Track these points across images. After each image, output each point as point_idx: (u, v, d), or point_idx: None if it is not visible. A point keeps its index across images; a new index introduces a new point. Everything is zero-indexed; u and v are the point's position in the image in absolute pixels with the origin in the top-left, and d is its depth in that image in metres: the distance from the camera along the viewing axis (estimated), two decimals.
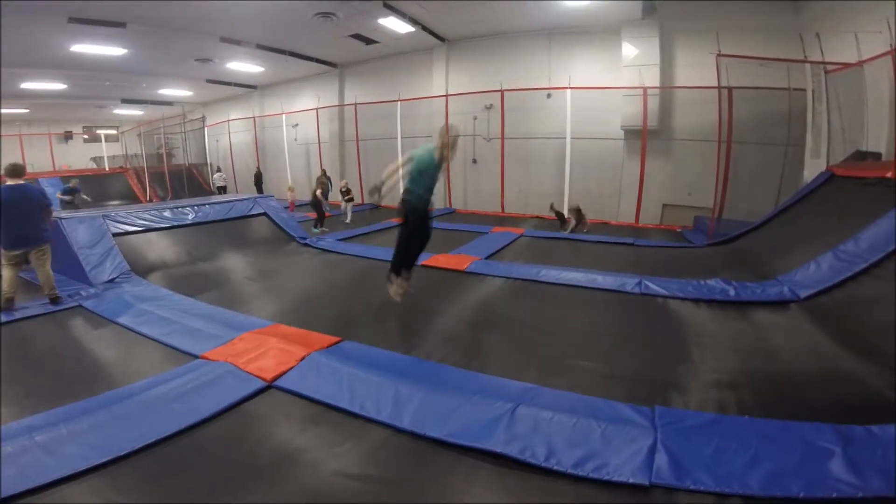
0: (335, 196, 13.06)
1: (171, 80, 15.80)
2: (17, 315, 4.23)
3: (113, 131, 21.65)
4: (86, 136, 21.39)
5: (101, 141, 20.11)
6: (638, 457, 2.08)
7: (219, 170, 17.35)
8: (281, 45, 12.40)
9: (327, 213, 10.17)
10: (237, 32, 11.04)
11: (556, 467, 2.07)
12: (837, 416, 2.36)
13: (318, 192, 9.70)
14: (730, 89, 7.73)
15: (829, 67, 7.40)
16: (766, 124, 8.34)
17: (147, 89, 16.54)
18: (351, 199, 11.14)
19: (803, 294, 4.26)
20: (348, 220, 10.75)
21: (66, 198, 11.01)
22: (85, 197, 11.64)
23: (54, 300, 4.55)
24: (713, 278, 4.85)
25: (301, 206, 13.47)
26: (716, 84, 7.78)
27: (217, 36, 11.09)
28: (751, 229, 7.00)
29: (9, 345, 3.66)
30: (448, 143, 4.13)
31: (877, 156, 6.26)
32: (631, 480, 1.96)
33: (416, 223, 4.20)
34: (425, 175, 4.14)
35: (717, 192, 8.11)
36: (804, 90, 7.82)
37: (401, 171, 4.16)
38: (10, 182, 4.39)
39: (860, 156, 6.49)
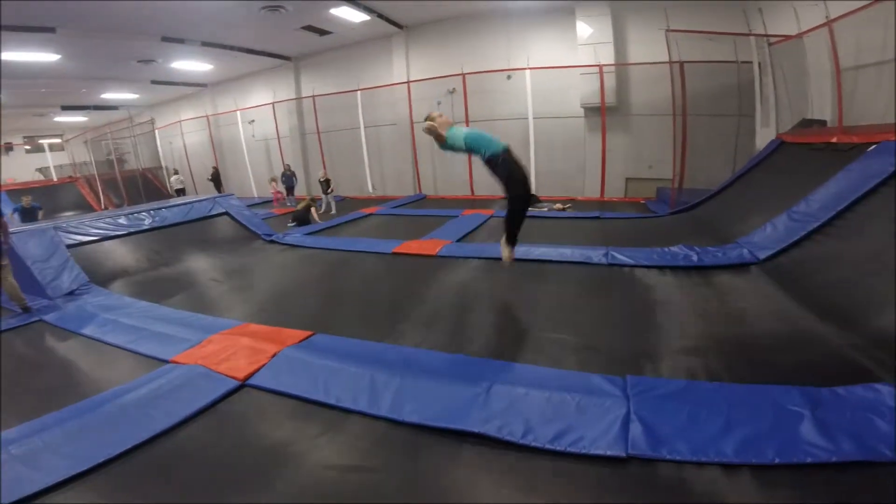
0: (314, 189, 12.76)
1: (114, 84, 14.95)
2: None
3: (57, 140, 20.48)
4: (27, 147, 20.17)
5: (44, 151, 19.04)
6: (613, 428, 2.10)
7: (176, 172, 16.70)
8: (228, 41, 11.85)
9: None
10: (179, 31, 10.49)
11: (533, 443, 2.09)
12: (802, 377, 2.41)
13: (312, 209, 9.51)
14: (681, 64, 7.94)
15: (772, 40, 7.69)
16: (718, 96, 8.62)
17: (88, 95, 15.66)
18: (332, 191, 10.92)
19: (762, 255, 4.44)
20: (334, 212, 10.59)
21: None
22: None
23: (25, 310, 4.56)
24: (676, 245, 5.01)
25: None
26: (667, 59, 7.96)
27: (158, 35, 10.52)
28: (709, 197, 7.25)
29: None
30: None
31: (822, 123, 6.57)
32: (608, 453, 1.98)
33: (513, 171, 3.87)
34: (475, 137, 4.09)
35: (675, 163, 8.39)
36: (751, 63, 8.10)
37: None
38: None
39: (807, 123, 6.80)
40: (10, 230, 5.22)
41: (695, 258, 4.66)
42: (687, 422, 2.10)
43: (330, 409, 2.56)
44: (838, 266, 3.69)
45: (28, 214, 9.83)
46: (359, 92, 12.79)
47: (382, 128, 13.25)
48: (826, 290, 3.51)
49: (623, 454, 1.97)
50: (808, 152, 5.57)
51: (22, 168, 19.47)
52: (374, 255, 6.07)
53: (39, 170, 19.64)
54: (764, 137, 7.68)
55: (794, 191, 4.80)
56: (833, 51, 5.90)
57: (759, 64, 8.00)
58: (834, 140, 5.08)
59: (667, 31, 7.73)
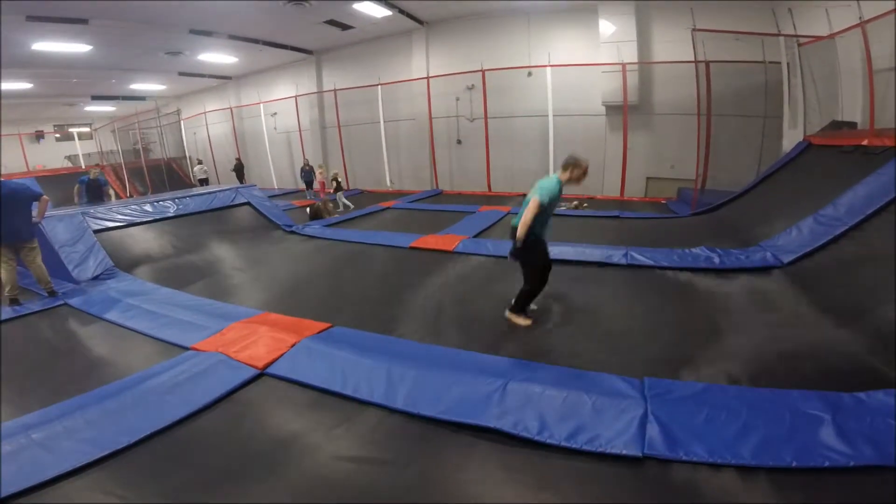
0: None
1: (142, 75, 15.30)
2: (4, 315, 4.19)
3: (86, 129, 21.03)
4: (58, 135, 20.74)
5: (74, 139, 19.58)
6: (630, 428, 2.09)
7: (199, 162, 17.00)
8: (253, 34, 12.04)
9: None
10: (207, 24, 10.68)
11: (549, 441, 2.09)
12: (823, 382, 2.38)
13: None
14: (707, 63, 7.78)
15: (802, 40, 7.47)
16: (744, 97, 8.42)
17: (117, 85, 16.03)
18: (341, 189, 10.97)
19: (786, 259, 4.34)
20: (351, 206, 10.67)
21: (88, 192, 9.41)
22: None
23: (52, 293, 4.67)
24: (698, 247, 4.92)
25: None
26: (693, 58, 7.81)
27: (186, 28, 10.72)
28: (733, 198, 7.10)
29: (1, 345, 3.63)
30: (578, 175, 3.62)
31: (852, 125, 6.37)
32: (624, 452, 1.98)
33: (544, 253, 3.58)
34: (550, 206, 3.50)
35: (698, 163, 8.23)
36: (779, 63, 7.89)
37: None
38: None
39: (836, 125, 6.61)
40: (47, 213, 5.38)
41: (716, 260, 4.58)
42: (704, 424, 2.09)
43: (347, 400, 2.59)
44: (864, 272, 3.60)
45: (94, 190, 9.49)
46: (379, 87, 12.83)
47: (401, 122, 13.28)
48: (850, 296, 3.43)
49: (639, 454, 1.97)
50: (837, 155, 5.41)
51: (52, 156, 20.04)
52: (392, 248, 6.11)
53: (68, 157, 20.21)
54: (791, 139, 7.49)
55: (821, 194, 4.67)
56: (866, 52, 5.71)
57: (788, 64, 7.79)
58: (864, 143, 4.93)
59: (693, 30, 7.57)
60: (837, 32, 6.54)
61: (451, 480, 1.99)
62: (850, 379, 2.46)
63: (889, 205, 3.83)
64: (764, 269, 4.35)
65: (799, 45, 7.57)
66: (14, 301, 4.45)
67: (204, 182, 15.75)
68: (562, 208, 8.74)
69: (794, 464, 1.83)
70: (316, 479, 2.03)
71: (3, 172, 13.60)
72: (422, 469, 2.05)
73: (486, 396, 2.41)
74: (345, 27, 11.85)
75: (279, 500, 1.91)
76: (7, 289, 4.44)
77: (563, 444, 2.07)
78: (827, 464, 1.81)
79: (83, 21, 9.24)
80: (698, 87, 7.96)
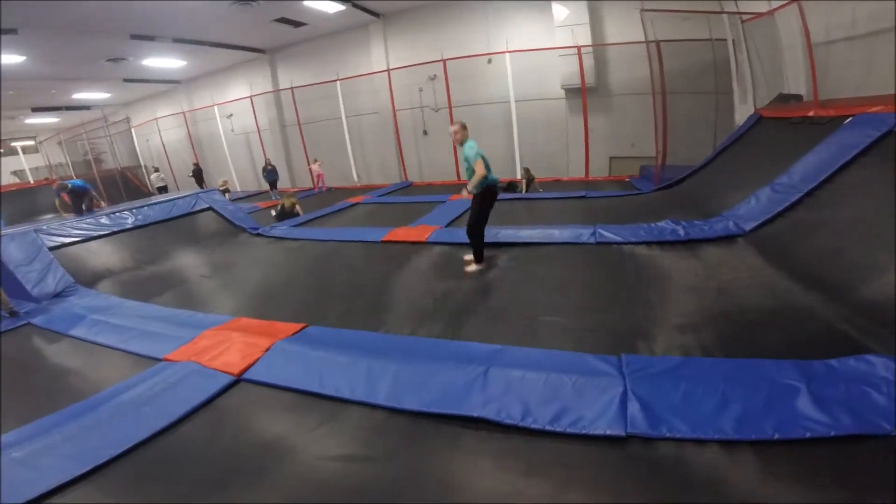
0: (299, 181, 12.57)
1: (84, 84, 14.48)
2: None
3: (30, 142, 19.89)
4: (1, 150, 19.53)
5: (18, 153, 18.47)
6: (611, 407, 2.10)
7: (156, 170, 16.33)
8: (200, 36, 11.55)
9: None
10: (148, 28, 10.19)
11: (532, 426, 2.09)
12: (794, 350, 2.42)
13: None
14: (658, 43, 7.96)
15: (745, 17, 7.72)
16: (695, 74, 8.68)
17: (58, 95, 15.16)
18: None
19: (748, 227, 4.50)
20: None
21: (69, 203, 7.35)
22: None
23: (13, 314, 4.53)
24: (663, 220, 5.06)
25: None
26: (643, 39, 7.97)
27: (126, 34, 10.20)
28: (692, 172, 7.32)
29: None
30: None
31: (798, 98, 6.67)
32: (608, 432, 1.98)
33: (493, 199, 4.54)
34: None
35: (657, 141, 8.45)
36: (725, 40, 8.14)
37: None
38: None
39: (783, 98, 6.90)
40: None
41: (682, 232, 4.73)
42: (683, 399, 2.10)
43: (327, 399, 2.56)
44: (822, 236, 3.75)
45: (78, 195, 7.33)
46: (338, 82, 12.59)
47: (364, 117, 13.11)
48: (812, 261, 3.56)
49: (622, 433, 1.97)
50: (787, 126, 5.64)
51: None
52: (364, 243, 6.05)
53: (14, 173, 19.09)
54: (742, 113, 7.77)
55: (775, 164, 4.86)
56: (804, 27, 5.96)
57: (734, 41, 8.05)
58: (811, 114, 5.16)
59: (641, 10, 7.74)
60: (776, 8, 6.78)
61: (439, 472, 1.99)
62: (819, 345, 2.51)
63: (840, 171, 4.01)
64: (728, 238, 4.50)
65: (742, 21, 7.83)
66: None
67: (163, 190, 15.16)
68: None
69: (776, 436, 1.84)
70: (302, 480, 2.00)
71: None
72: (408, 463, 2.05)
73: (467, 385, 2.41)
74: (297, 24, 11.55)
75: (268, 501, 1.89)
76: None
77: (548, 427, 2.07)
78: (808, 434, 1.83)
79: (12, 31, 8.64)
80: (651, 66, 8.15)
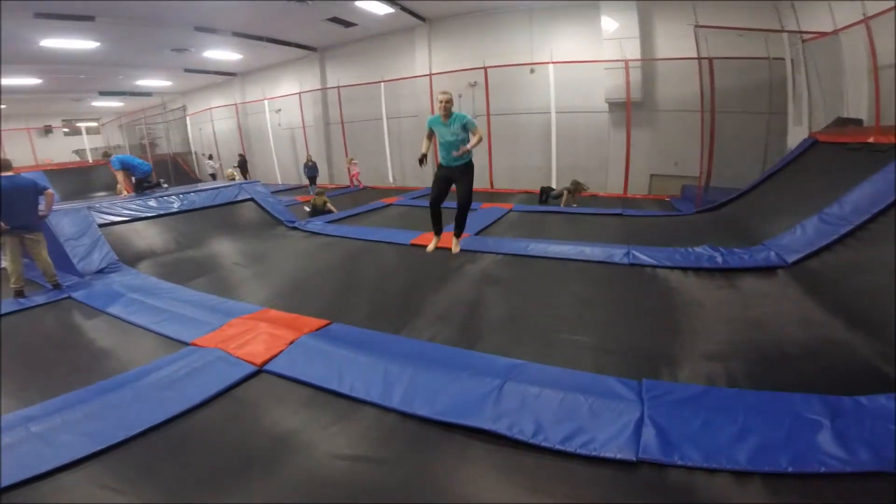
0: (338, 179, 12.90)
1: (149, 71, 15.41)
2: (6, 309, 4.22)
3: (94, 124, 21.21)
4: (66, 130, 20.91)
5: (81, 134, 19.71)
6: (625, 432, 2.07)
7: (210, 157, 17.04)
8: (258, 31, 12.10)
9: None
10: (211, 21, 10.76)
11: (543, 443, 2.07)
12: (826, 386, 2.34)
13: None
14: (710, 60, 7.72)
15: (806, 37, 7.39)
16: (748, 93, 8.37)
17: (124, 81, 16.14)
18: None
19: (790, 259, 4.28)
20: None
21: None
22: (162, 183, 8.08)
23: (56, 286, 4.71)
24: (701, 245, 4.89)
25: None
26: (695, 55, 7.73)
27: (191, 26, 10.80)
28: (737, 196, 7.04)
29: (4, 337, 3.68)
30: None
31: (858, 122, 6.29)
32: (618, 456, 1.96)
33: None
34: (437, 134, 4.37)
35: (702, 160, 8.18)
36: (783, 59, 7.81)
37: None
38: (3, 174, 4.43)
39: (841, 122, 6.53)
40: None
41: (719, 260, 4.54)
42: (701, 428, 2.06)
43: (343, 398, 2.59)
44: (870, 272, 3.55)
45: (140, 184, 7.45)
46: (382, 84, 12.82)
47: (404, 119, 13.27)
48: (855, 297, 3.38)
49: (633, 458, 1.94)
50: (843, 152, 5.34)
51: (60, 150, 20.22)
52: (393, 245, 6.12)
53: (76, 152, 20.37)
54: (796, 136, 7.41)
55: (827, 192, 4.60)
56: (871, 48, 5.64)
57: (792, 61, 7.71)
58: (871, 140, 4.87)
59: (695, 26, 7.52)
60: (841, 28, 6.48)
61: (445, 481, 1.99)
62: (853, 382, 2.41)
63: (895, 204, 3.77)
64: (768, 269, 4.30)
65: (803, 41, 7.49)
66: (19, 293, 4.49)
67: (213, 177, 15.84)
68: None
69: (789, 469, 1.81)
70: (310, 477, 2.03)
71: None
72: (415, 469, 2.05)
73: (482, 397, 2.39)
74: (347, 24, 11.86)
75: (273, 497, 1.92)
76: (12, 280, 4.50)
77: (558, 447, 2.05)
78: (823, 469, 1.79)
79: (90, 18, 9.32)
80: (702, 83, 7.92)
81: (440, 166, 4.44)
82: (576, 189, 9.17)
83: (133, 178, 7.45)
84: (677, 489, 1.82)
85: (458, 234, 4.63)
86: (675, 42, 9.08)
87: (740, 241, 5.17)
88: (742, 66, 8.20)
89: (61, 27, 9.58)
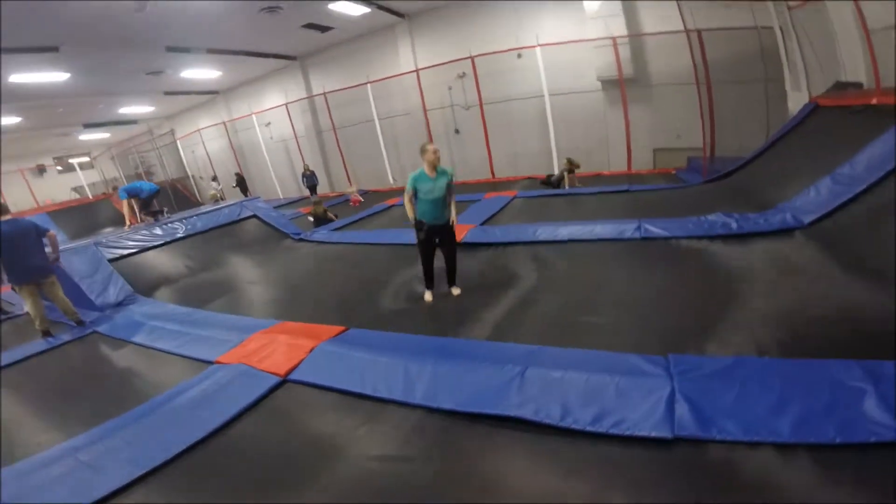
0: (338, 186, 12.94)
1: (128, 98, 15.18)
2: (34, 350, 4.36)
3: (86, 158, 21.18)
4: (59, 168, 20.91)
5: (76, 170, 19.72)
6: (658, 409, 2.01)
7: (214, 178, 16.97)
8: (232, 45, 11.89)
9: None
10: (182, 40, 10.55)
11: (573, 426, 2.04)
12: (859, 349, 2.25)
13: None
14: (699, 32, 7.61)
15: (792, 4, 7.25)
16: (741, 63, 8.20)
17: (105, 110, 15.97)
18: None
19: (807, 220, 4.20)
20: None
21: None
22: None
23: (79, 323, 4.79)
24: (713, 213, 4.81)
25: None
26: (682, 28, 7.61)
27: (161, 47, 10.57)
28: (744, 163, 6.95)
29: (37, 375, 3.88)
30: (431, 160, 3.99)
31: (857, 85, 6.18)
32: (653, 434, 1.91)
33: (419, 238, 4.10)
34: (423, 192, 3.96)
35: (704, 131, 8.09)
36: (771, 28, 7.68)
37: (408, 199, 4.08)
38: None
39: (841, 86, 6.43)
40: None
41: (734, 226, 4.47)
42: (736, 400, 1.99)
43: (367, 399, 2.60)
44: (888, 229, 3.43)
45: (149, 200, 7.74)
46: (368, 85, 12.75)
47: (396, 118, 13.21)
48: (879, 255, 3.26)
49: (669, 435, 1.89)
50: (847, 115, 5.27)
51: (58, 189, 20.20)
52: (399, 246, 6.08)
53: (75, 189, 20.39)
54: (796, 101, 7.30)
55: (835, 154, 4.52)
56: (858, 13, 5.51)
57: (781, 28, 7.58)
58: (874, 101, 4.78)
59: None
60: None
61: (475, 472, 1.97)
62: (885, 343, 2.32)
63: None
64: (785, 232, 4.22)
65: (789, 8, 7.36)
66: (46, 333, 4.61)
67: (219, 200, 15.79)
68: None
69: (837, 440, 1.73)
70: (346, 481, 2.03)
71: (13, 210, 13.59)
72: (445, 463, 2.05)
73: (504, 385, 2.38)
74: (324, 29, 11.73)
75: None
76: (37, 323, 4.59)
77: (588, 429, 2.01)
78: (874, 439, 1.69)
79: (53, 49, 9.04)
80: (693, 56, 7.81)
81: (421, 225, 4.01)
82: (571, 168, 9.11)
83: (141, 202, 7.53)
84: (718, 465, 1.76)
85: (454, 282, 4.25)
86: (661, 15, 8.90)
87: (753, 206, 5.09)
88: (731, 36, 8.06)
89: (27, 60, 9.29)
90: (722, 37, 8.02)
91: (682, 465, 1.79)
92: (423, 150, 4.01)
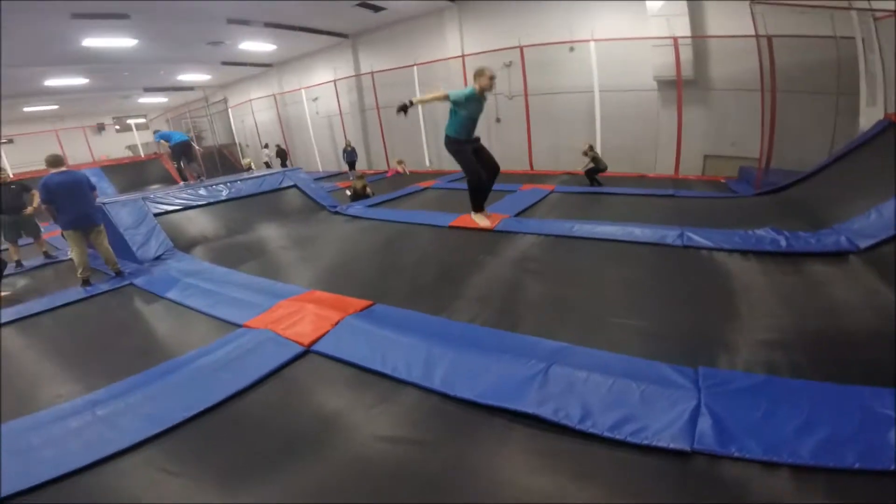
0: (376, 164, 13.20)
1: (188, 66, 15.96)
2: (74, 297, 4.53)
3: (142, 120, 22.22)
4: (117, 127, 22.03)
5: (132, 130, 20.74)
6: (680, 420, 1.95)
7: (266, 146, 17.49)
8: (289, 21, 12.23)
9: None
10: (242, 13, 11.00)
11: (591, 430, 1.98)
12: None
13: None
14: (769, 38, 7.15)
15: (878, 14, 6.69)
16: (813, 73, 7.69)
17: (166, 76, 16.76)
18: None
19: (863, 244, 3.91)
20: None
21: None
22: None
23: (118, 273, 5.00)
24: (762, 228, 4.57)
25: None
26: (752, 33, 7.20)
27: (223, 18, 11.04)
28: (802, 178, 6.52)
29: (71, 324, 3.97)
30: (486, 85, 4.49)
31: None
32: (671, 445, 1.85)
33: (459, 152, 4.65)
34: (462, 109, 4.44)
35: (762, 141, 7.66)
36: (852, 38, 7.12)
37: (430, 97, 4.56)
38: (54, 171, 4.74)
39: None
40: (104, 202, 5.76)
41: (783, 243, 4.21)
42: (762, 419, 1.91)
43: (386, 378, 2.58)
44: None
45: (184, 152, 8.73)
46: (415, 67, 12.71)
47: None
48: None
49: (688, 448, 1.83)
50: None
51: (113, 146, 21.42)
52: (432, 227, 6.07)
53: (129, 147, 21.48)
54: (869, 118, 6.79)
55: None
56: None
57: (863, 40, 7.03)
58: None
59: (751, 2, 6.97)
60: None
61: (486, 464, 1.94)
62: None
63: None
64: (837, 254, 3.94)
65: (875, 19, 6.81)
66: (86, 282, 4.82)
67: (268, 165, 16.31)
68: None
69: (856, 465, 1.66)
70: (354, 457, 2.03)
71: (70, 163, 14.51)
72: (456, 451, 2.01)
73: (526, 380, 2.31)
74: (377, 9, 11.87)
75: (321, 477, 1.93)
76: (79, 270, 4.80)
77: (606, 434, 1.95)
78: (893, 467, 1.62)
79: (125, 16, 9.65)
80: (761, 62, 7.36)
81: (465, 141, 4.47)
82: (595, 155, 8.80)
83: (176, 152, 8.24)
84: (731, 482, 1.71)
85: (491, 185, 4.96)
86: (729, 18, 8.49)
87: (806, 224, 4.78)
88: (805, 45, 7.56)
89: (99, 26, 9.97)
90: (795, 44, 7.54)
91: (696, 478, 1.74)
92: (479, 73, 4.56)
